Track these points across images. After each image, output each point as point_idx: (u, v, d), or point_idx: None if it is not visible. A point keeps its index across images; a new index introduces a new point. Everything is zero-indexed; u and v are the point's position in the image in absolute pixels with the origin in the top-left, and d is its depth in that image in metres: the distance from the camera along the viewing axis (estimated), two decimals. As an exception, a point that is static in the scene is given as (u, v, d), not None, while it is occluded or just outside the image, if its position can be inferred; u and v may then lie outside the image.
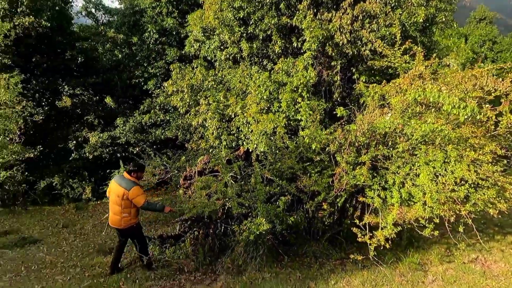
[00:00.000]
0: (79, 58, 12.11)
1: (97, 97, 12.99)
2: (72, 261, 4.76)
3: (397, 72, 4.88)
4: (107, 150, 11.64)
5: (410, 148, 3.82)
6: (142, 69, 12.22)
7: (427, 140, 3.79)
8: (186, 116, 7.36)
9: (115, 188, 4.01)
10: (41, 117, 11.19)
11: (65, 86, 12.54)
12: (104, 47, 13.57)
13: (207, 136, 6.45)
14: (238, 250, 4.22)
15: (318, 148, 3.94)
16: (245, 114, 5.56)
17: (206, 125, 6.31)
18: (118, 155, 11.86)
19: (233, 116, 5.87)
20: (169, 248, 4.85)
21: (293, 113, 5.13)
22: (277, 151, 4.64)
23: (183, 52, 11.17)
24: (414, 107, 3.84)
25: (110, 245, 5.46)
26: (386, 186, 3.89)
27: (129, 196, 3.90)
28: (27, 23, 10.18)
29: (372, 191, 3.88)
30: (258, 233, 3.43)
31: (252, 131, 5.50)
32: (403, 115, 3.90)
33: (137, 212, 4.15)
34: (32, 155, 10.89)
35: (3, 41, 9.39)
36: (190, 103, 6.46)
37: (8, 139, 10.42)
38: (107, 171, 10.64)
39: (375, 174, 3.97)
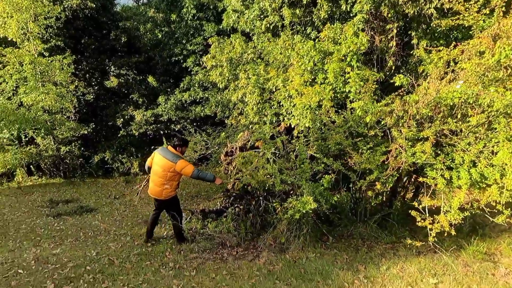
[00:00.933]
0: (123, 38, 12.50)
1: (140, 77, 13.50)
2: (123, 230, 5.06)
3: (470, 33, 4.12)
4: (151, 127, 12.16)
5: (486, 122, 3.23)
6: (181, 46, 12.26)
7: (509, 112, 3.16)
8: (225, 92, 7.21)
9: (159, 160, 4.05)
10: (92, 97, 11.97)
11: (112, 66, 13.20)
12: (145, 26, 13.85)
13: (246, 112, 6.27)
14: (280, 228, 4.09)
15: (373, 121, 3.51)
16: (287, 87, 5.22)
17: (246, 100, 6.10)
18: (161, 132, 12.36)
19: (274, 90, 5.56)
20: (211, 222, 4.91)
21: (341, 85, 4.68)
22: (323, 127, 4.29)
23: (221, 27, 10.91)
24: (494, 72, 3.20)
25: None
26: (452, 165, 3.38)
27: (176, 168, 3.93)
28: (75, 5, 10.65)
29: (434, 170, 3.41)
30: (304, 211, 3.23)
31: (295, 105, 5.17)
32: (479, 83, 3.29)
33: (177, 186, 4.23)
34: (86, 132, 11.81)
35: (55, 23, 9.96)
36: (229, 77, 6.27)
37: (65, 117, 11.38)
38: (152, 147, 11.17)
39: (439, 152, 3.46)
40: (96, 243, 4.42)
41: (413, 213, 3.18)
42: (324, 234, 4.26)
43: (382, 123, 3.59)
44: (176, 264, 3.71)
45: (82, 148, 12.13)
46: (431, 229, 3.21)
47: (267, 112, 5.93)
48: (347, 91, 4.68)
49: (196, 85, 12.01)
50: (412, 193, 4.79)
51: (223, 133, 6.43)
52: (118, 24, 12.61)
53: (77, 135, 11.72)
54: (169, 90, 12.85)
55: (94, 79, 12.45)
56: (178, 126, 11.92)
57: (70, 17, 10.84)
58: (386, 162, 3.48)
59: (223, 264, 3.68)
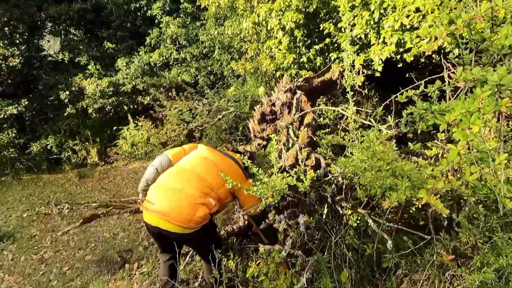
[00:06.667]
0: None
1: (88, 34, 10.06)
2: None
3: None
4: (110, 101, 9.02)
5: None
6: (143, -14, 8.96)
7: None
8: (223, 27, 4.46)
9: (210, 155, 1.98)
10: (19, 60, 8.48)
11: (46, 21, 9.60)
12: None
13: (267, 50, 3.62)
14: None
15: None
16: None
17: (269, 27, 3.43)
18: (125, 107, 9.27)
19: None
20: (242, 261, 2.40)
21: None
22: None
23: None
24: None
25: (135, 245, 3.08)
26: None
27: (241, 187, 1.70)
28: None
29: None
30: None
31: (384, 15, 2.67)
32: None
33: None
34: (16, 111, 8.48)
35: None
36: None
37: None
38: (114, 128, 8.18)
39: None
40: None
41: None
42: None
43: None
44: None
45: (14, 134, 8.80)
46: None
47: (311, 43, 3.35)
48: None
49: (168, 41, 8.93)
50: None
51: (232, 88, 3.74)
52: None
53: (2, 116, 8.36)
54: (131, 50, 9.63)
55: (19, 36, 8.84)
56: (148, 98, 8.87)
57: None
58: None
59: None
